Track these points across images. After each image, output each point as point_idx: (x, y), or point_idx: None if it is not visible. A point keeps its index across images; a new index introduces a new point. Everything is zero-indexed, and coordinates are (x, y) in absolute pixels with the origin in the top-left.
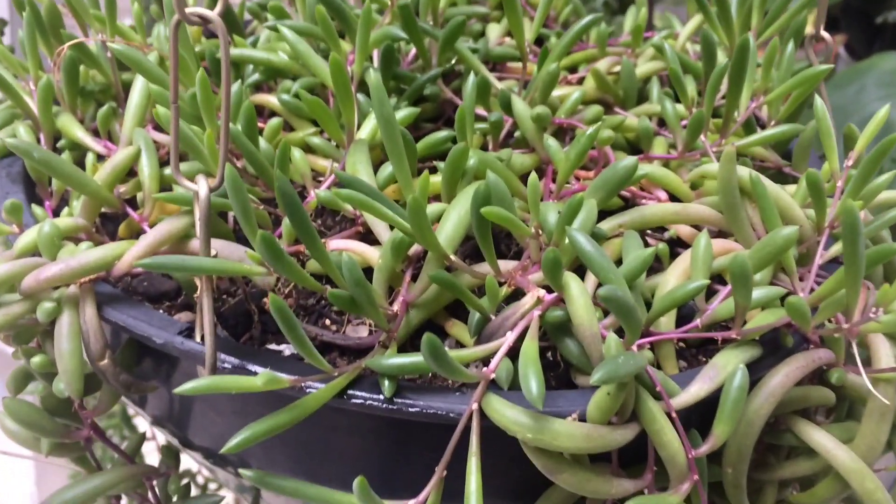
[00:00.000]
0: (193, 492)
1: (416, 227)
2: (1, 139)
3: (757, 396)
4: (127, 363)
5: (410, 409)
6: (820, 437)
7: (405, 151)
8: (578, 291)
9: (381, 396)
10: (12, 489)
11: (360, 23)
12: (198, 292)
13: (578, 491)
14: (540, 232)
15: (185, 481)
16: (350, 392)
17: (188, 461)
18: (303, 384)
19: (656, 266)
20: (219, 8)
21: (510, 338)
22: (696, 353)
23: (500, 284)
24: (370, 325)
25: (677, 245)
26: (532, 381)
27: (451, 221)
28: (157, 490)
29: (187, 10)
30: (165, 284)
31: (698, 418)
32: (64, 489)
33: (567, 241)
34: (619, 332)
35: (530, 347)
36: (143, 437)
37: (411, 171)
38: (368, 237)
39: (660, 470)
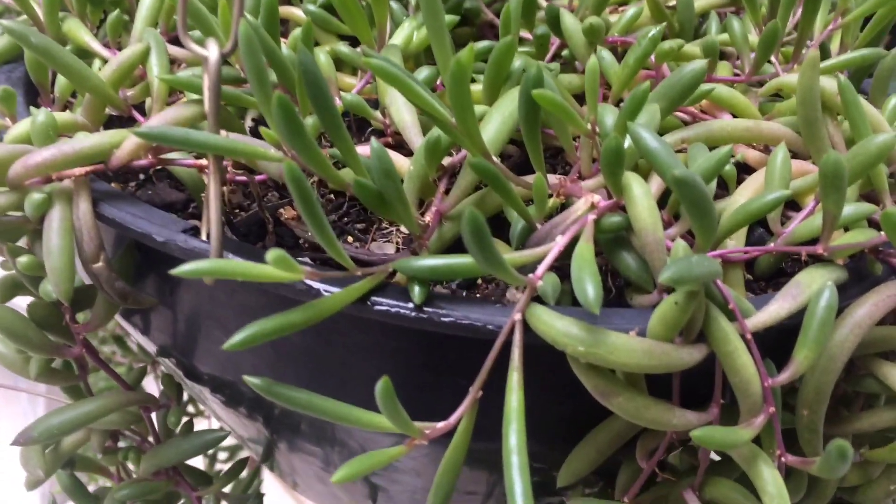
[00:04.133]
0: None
1: (456, 102)
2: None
3: (841, 327)
4: (125, 271)
5: (443, 320)
6: None
7: (446, 33)
8: (641, 192)
9: (410, 305)
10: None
11: None
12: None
13: (635, 418)
14: (597, 130)
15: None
16: (375, 299)
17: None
18: (320, 285)
19: (720, 193)
20: None
21: (561, 241)
22: (765, 286)
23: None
24: (397, 243)
25: (744, 172)
26: (588, 284)
27: (495, 122)
28: (155, 422)
29: None
30: (173, 195)
31: (773, 350)
32: (49, 415)
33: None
34: None
35: (585, 249)
36: (144, 369)
37: None
38: (400, 151)
39: (727, 407)
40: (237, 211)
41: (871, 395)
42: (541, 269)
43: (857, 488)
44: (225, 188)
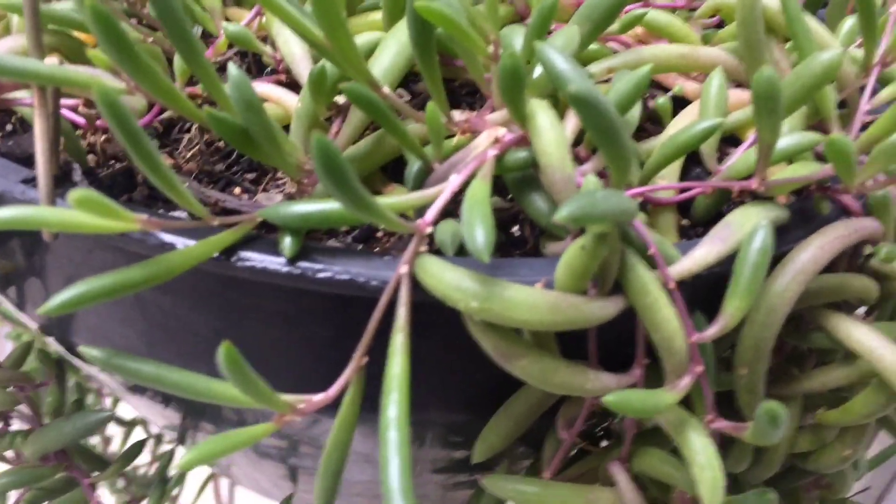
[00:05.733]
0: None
1: (325, 22)
2: None
3: (782, 275)
4: None
5: (319, 276)
6: (862, 335)
7: None
8: (547, 121)
9: (281, 259)
10: None
11: None
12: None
13: (542, 384)
14: (500, 54)
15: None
16: (242, 254)
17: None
18: (175, 238)
19: (655, 130)
20: None
21: (455, 181)
22: (703, 233)
23: (450, 136)
24: (288, 195)
25: (681, 108)
26: (477, 227)
27: (390, 50)
28: (33, 402)
29: None
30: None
31: (707, 304)
32: None
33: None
34: None
35: (479, 188)
36: (28, 346)
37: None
38: (296, 91)
39: (655, 369)
40: (112, 162)
41: (826, 352)
42: (430, 213)
43: (809, 454)
44: (98, 137)
